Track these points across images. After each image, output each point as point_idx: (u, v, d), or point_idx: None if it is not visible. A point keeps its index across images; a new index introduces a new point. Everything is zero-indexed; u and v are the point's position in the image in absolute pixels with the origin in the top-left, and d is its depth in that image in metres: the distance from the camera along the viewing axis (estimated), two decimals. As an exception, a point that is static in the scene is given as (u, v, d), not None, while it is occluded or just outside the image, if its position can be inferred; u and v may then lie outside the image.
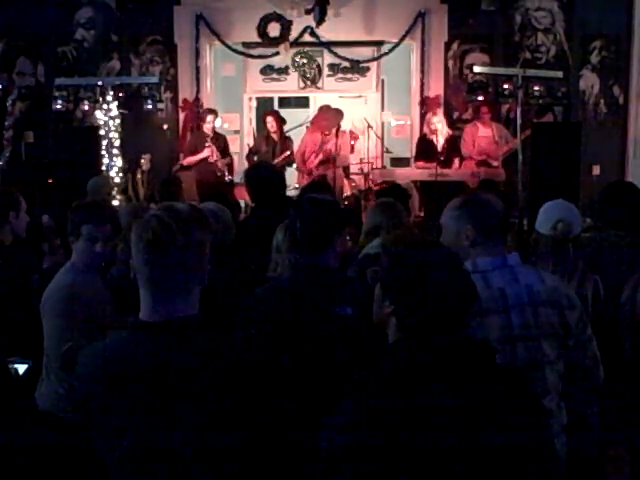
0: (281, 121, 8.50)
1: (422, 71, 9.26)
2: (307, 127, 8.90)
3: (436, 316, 1.62)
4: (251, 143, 9.22)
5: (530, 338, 2.25)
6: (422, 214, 8.22)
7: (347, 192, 8.44)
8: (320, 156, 8.01)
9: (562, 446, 2.28)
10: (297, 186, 8.37)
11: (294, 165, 8.52)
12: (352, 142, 8.70)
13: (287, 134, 8.61)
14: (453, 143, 8.28)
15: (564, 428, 2.31)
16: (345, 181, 8.50)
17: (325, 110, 8.17)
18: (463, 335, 1.66)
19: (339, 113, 8.18)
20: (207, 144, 8.18)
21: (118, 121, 8.57)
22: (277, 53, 9.29)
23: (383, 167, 9.24)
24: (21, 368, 2.90)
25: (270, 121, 8.46)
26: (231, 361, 1.56)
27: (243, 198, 6.96)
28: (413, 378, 1.56)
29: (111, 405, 1.57)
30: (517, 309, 2.24)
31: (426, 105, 9.19)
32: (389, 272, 1.69)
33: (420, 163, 8.23)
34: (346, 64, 9.57)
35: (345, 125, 8.69)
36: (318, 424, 1.57)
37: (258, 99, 10.35)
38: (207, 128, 8.30)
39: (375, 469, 1.49)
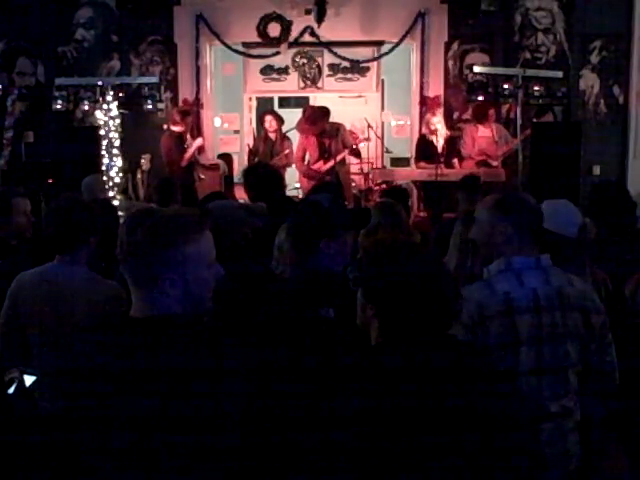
0: (279, 121, 8.48)
1: (422, 71, 9.25)
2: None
3: (418, 318, 1.63)
4: (251, 143, 9.23)
5: (557, 339, 2.29)
6: (422, 214, 8.22)
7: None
8: (331, 162, 7.78)
9: (575, 443, 2.33)
10: (298, 186, 8.37)
11: (294, 165, 8.51)
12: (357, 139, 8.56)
13: (286, 134, 8.60)
14: (452, 144, 8.28)
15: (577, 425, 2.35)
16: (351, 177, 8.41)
17: (308, 114, 7.86)
18: (447, 336, 1.67)
19: (324, 112, 7.84)
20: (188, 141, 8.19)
21: (118, 121, 8.58)
22: (277, 53, 9.29)
23: (383, 167, 9.24)
24: (28, 380, 2.80)
25: (269, 120, 8.44)
26: (207, 359, 1.57)
27: (243, 198, 6.96)
28: (396, 380, 1.56)
29: (90, 401, 1.58)
30: (547, 310, 2.28)
31: (426, 105, 9.19)
32: (370, 275, 1.69)
33: (422, 164, 8.22)
34: (346, 64, 9.58)
35: (345, 125, 8.65)
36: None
37: (258, 99, 10.36)
38: (178, 129, 8.27)
39: (360, 469, 1.50)
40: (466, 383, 1.58)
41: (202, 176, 8.35)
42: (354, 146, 7.95)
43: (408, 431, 1.51)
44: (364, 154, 8.78)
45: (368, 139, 8.63)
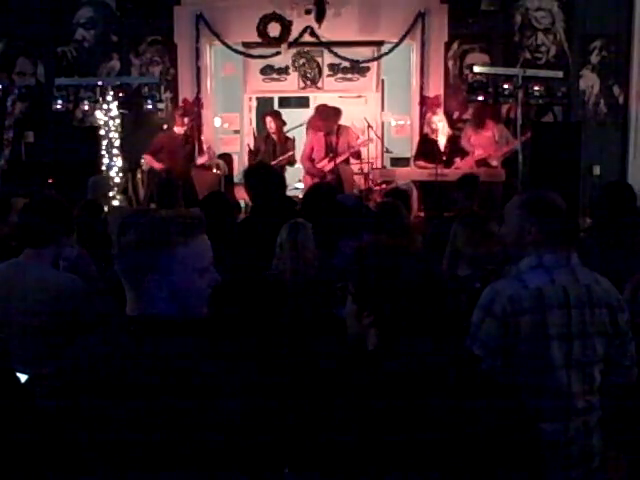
0: (280, 121, 8.51)
1: (422, 71, 9.26)
2: (307, 128, 8.91)
3: (418, 321, 1.63)
4: (251, 143, 9.23)
5: (586, 336, 2.33)
6: (422, 214, 8.22)
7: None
8: (334, 162, 7.91)
9: (599, 440, 2.35)
10: (301, 186, 8.38)
11: (295, 165, 8.53)
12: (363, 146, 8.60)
13: (287, 134, 8.62)
14: (454, 143, 8.28)
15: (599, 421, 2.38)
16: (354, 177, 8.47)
17: (321, 110, 8.12)
18: (447, 339, 1.67)
19: (336, 111, 8.11)
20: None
21: (118, 121, 8.59)
22: (277, 53, 9.29)
23: (383, 167, 9.25)
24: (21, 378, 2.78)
25: (269, 122, 8.48)
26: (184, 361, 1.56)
27: (243, 198, 6.97)
28: (399, 384, 1.56)
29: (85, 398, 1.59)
30: (577, 308, 2.32)
31: (426, 105, 9.20)
32: (368, 282, 1.68)
33: (420, 163, 8.23)
34: (346, 64, 9.58)
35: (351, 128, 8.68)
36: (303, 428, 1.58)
37: (258, 99, 10.36)
38: (179, 129, 8.42)
39: (363, 471, 1.50)
40: (466, 386, 1.59)
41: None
42: (356, 149, 8.02)
43: (409, 435, 1.51)
44: (364, 154, 8.79)
45: (370, 140, 8.63)
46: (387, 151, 9.79)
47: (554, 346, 2.28)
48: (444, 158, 7.99)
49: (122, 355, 1.58)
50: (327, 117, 7.96)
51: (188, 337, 1.62)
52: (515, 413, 1.65)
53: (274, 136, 8.47)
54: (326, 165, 7.98)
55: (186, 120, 8.54)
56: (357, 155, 8.16)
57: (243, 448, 1.53)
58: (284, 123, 8.61)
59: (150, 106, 8.69)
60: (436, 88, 9.26)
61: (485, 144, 8.32)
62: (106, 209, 6.63)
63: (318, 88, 9.84)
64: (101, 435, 1.56)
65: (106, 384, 1.56)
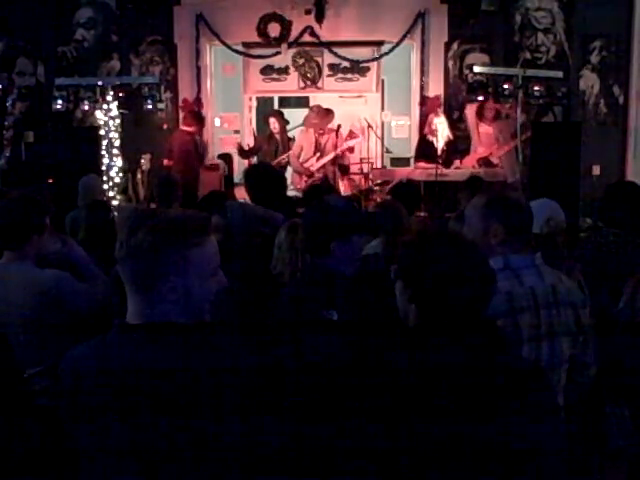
0: (284, 122, 8.56)
1: (422, 71, 9.27)
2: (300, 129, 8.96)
3: (455, 301, 1.66)
4: (251, 143, 9.23)
5: (553, 337, 2.31)
6: (422, 214, 8.22)
7: (345, 192, 8.46)
8: (322, 161, 8.09)
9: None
10: (292, 187, 8.42)
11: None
12: (351, 143, 8.65)
13: (288, 134, 8.66)
14: (453, 146, 8.31)
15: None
16: (341, 181, 8.53)
17: (315, 110, 8.28)
18: (483, 318, 1.69)
19: (329, 112, 8.30)
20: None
21: (118, 121, 8.59)
22: (277, 53, 9.30)
23: (383, 167, 9.25)
24: None
25: (272, 122, 8.52)
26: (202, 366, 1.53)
27: (243, 198, 6.97)
28: (432, 363, 1.59)
29: (89, 403, 1.56)
30: (545, 308, 2.30)
31: (426, 105, 9.20)
32: (407, 262, 1.74)
33: (421, 164, 8.24)
34: (346, 64, 9.57)
35: (345, 125, 8.71)
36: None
37: (258, 99, 10.36)
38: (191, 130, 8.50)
39: (389, 460, 1.51)
40: (501, 366, 1.61)
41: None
42: (338, 152, 8.16)
43: (443, 413, 1.53)
44: (364, 154, 8.81)
45: (350, 151, 8.66)
46: (387, 151, 9.80)
47: (525, 349, 2.25)
48: (440, 161, 7.99)
49: (132, 365, 1.52)
50: (322, 116, 8.13)
51: (197, 342, 1.56)
52: (547, 405, 1.64)
53: (277, 136, 8.51)
54: (313, 164, 8.07)
55: (194, 125, 8.59)
56: (341, 158, 8.30)
57: (247, 452, 1.52)
58: (287, 123, 8.65)
59: (150, 106, 8.68)
60: (436, 88, 9.26)
61: (486, 142, 8.34)
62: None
63: (318, 88, 9.83)
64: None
65: (117, 395, 1.51)
